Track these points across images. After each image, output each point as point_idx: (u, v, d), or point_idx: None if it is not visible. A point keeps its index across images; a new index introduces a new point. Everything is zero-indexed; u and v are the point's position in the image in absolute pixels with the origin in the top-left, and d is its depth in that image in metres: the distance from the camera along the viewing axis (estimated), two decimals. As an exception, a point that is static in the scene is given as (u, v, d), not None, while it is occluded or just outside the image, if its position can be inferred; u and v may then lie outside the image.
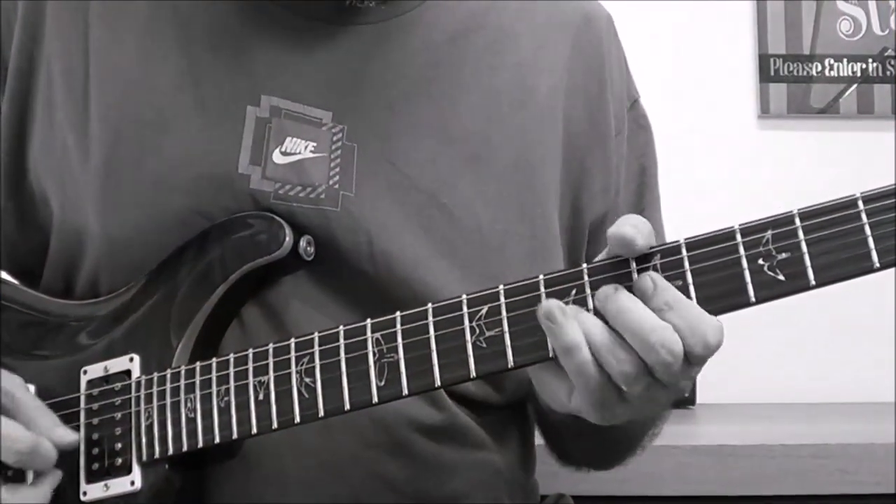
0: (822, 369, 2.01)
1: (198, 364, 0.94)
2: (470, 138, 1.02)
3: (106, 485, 0.95)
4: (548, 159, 1.04)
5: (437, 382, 0.86)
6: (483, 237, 1.00)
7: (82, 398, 0.98)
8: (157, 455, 0.94)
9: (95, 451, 0.96)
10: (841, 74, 2.07)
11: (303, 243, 0.97)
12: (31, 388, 0.99)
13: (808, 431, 1.64)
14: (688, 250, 0.81)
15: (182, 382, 0.94)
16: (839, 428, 1.69)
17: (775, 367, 2.02)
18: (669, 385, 0.81)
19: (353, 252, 0.97)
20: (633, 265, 0.82)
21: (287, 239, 0.96)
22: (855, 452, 1.45)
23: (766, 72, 2.07)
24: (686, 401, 1.80)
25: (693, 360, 0.80)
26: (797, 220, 0.78)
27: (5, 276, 1.10)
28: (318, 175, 0.98)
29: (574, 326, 0.80)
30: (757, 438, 1.50)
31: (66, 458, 0.95)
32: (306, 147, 0.99)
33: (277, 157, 0.98)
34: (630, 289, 0.80)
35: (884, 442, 1.45)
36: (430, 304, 0.87)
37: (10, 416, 0.93)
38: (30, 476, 0.94)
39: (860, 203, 0.77)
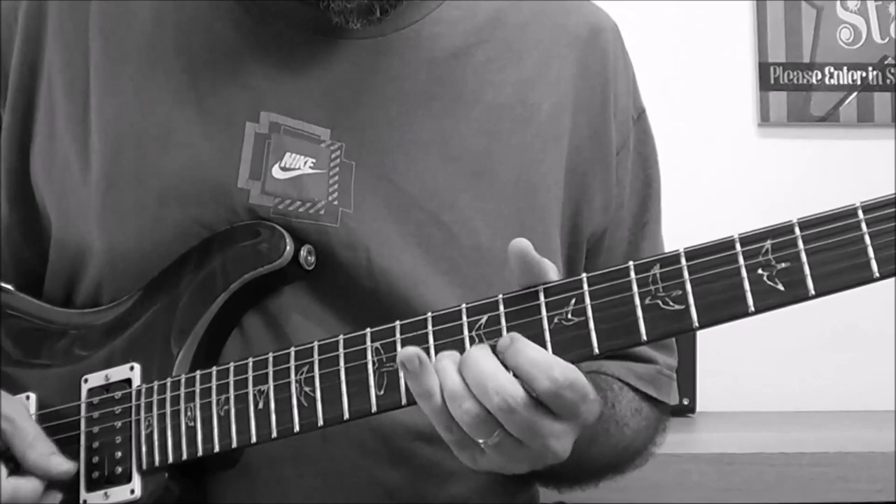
0: (822, 378, 2.01)
1: (198, 373, 0.94)
2: (471, 155, 1.01)
3: (106, 493, 0.95)
4: (550, 176, 1.04)
5: (437, 391, 0.86)
6: (483, 255, 1.00)
7: (83, 406, 0.98)
8: (156, 463, 0.94)
9: (95, 459, 0.96)
10: (841, 82, 2.06)
11: (303, 252, 0.97)
12: (32, 397, 1.00)
13: (808, 439, 1.63)
14: (687, 260, 0.81)
15: (182, 391, 0.94)
16: (839, 436, 1.69)
17: (775, 376, 2.01)
18: (525, 440, 0.83)
19: (353, 268, 0.97)
20: (633, 274, 0.82)
21: (288, 248, 0.96)
22: (855, 461, 1.45)
23: (766, 80, 2.07)
24: (686, 409, 1.80)
25: (546, 399, 0.81)
26: (797, 230, 0.78)
27: (8, 285, 1.10)
28: (318, 191, 0.98)
29: (429, 375, 0.82)
30: (757, 446, 1.50)
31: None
32: (305, 163, 0.99)
33: (277, 173, 0.98)
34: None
35: (884, 450, 1.45)
36: (429, 314, 0.87)
37: (8, 442, 0.94)
38: None
39: (860, 212, 0.76)
